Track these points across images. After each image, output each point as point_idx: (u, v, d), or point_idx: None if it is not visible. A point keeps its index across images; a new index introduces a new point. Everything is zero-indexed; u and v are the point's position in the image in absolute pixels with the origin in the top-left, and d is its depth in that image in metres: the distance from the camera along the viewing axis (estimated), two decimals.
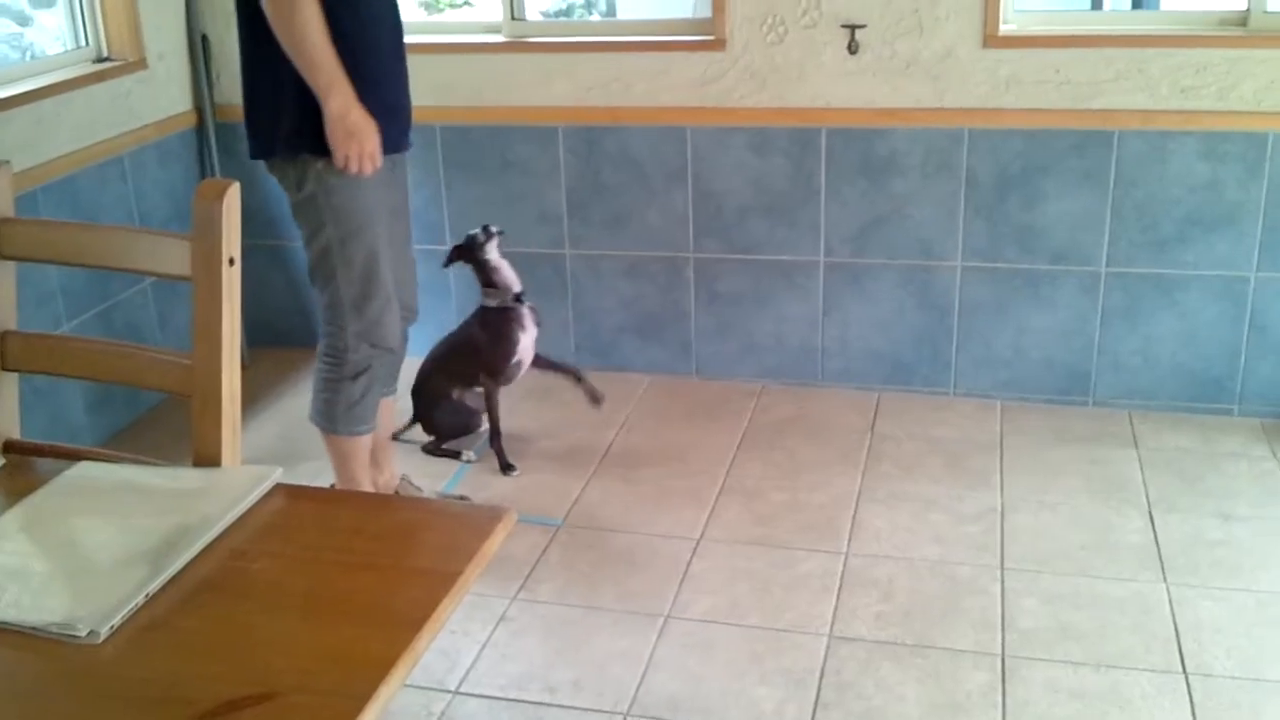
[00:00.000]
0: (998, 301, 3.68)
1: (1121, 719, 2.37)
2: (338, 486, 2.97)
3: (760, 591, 2.82)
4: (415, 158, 3.92)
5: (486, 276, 3.35)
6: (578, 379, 3.53)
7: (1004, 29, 3.47)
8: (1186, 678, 2.48)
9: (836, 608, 2.74)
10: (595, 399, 3.51)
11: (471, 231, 3.38)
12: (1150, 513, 3.11)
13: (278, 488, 1.58)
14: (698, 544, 3.02)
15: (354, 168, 2.62)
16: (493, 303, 3.37)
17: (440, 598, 1.35)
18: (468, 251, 3.35)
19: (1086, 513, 3.12)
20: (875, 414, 3.69)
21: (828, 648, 2.60)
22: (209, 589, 1.39)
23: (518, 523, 3.03)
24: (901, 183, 3.65)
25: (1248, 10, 3.39)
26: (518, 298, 3.36)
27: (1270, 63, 3.32)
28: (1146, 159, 3.47)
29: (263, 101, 2.69)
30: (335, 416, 2.87)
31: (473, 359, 3.39)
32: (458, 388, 3.48)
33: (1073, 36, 3.47)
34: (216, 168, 4.00)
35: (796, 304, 3.83)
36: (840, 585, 2.83)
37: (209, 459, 1.66)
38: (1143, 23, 3.81)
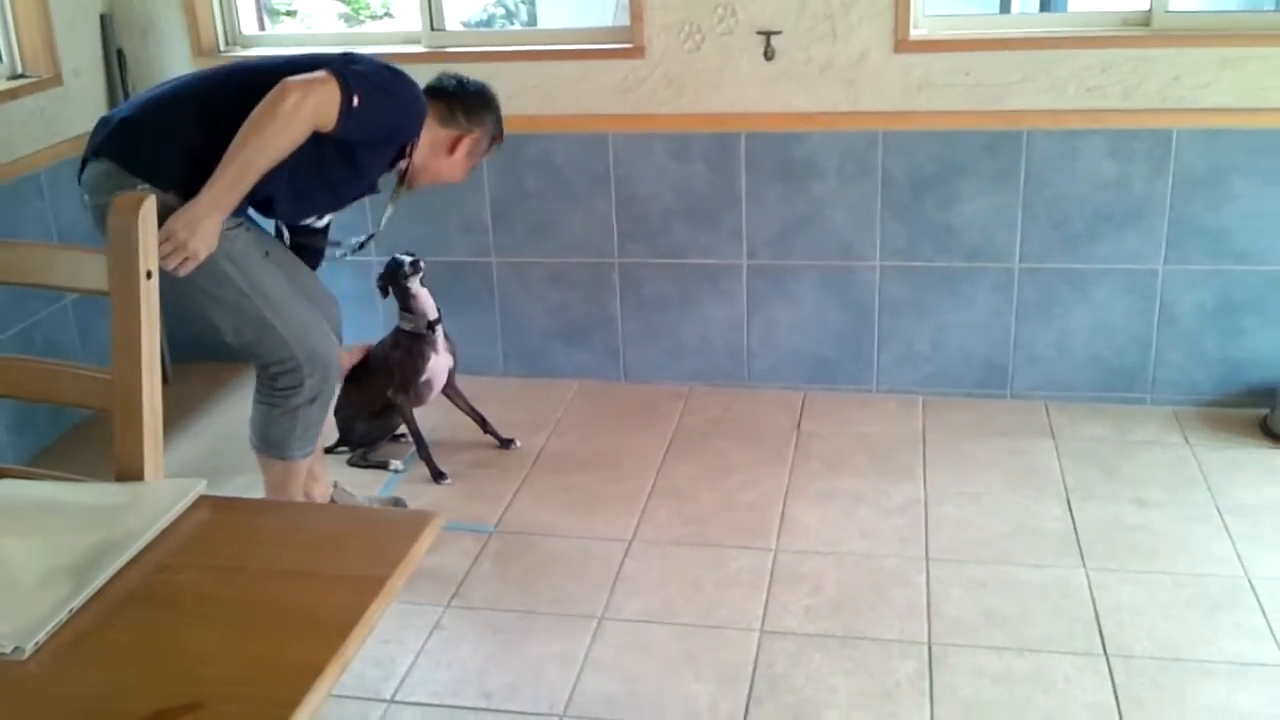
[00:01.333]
0: (917, 299, 3.75)
1: (1045, 702, 2.44)
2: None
3: (692, 590, 2.85)
4: None
5: (406, 302, 3.44)
6: (483, 425, 3.62)
7: (915, 34, 3.55)
8: (1108, 659, 2.55)
9: (767, 603, 2.78)
10: (503, 442, 3.61)
11: (398, 256, 3.42)
12: (1068, 500, 3.19)
13: (202, 499, 1.58)
14: (629, 546, 3.05)
15: (169, 264, 2.47)
16: (408, 326, 3.44)
17: (368, 603, 1.36)
18: (392, 278, 3.43)
19: (1007, 502, 3.19)
20: (801, 413, 3.74)
21: (759, 643, 2.64)
22: (134, 602, 1.39)
23: (450, 530, 3.08)
24: (820, 185, 3.71)
25: (1150, 10, 3.49)
26: (430, 325, 3.43)
27: (1172, 61, 3.42)
28: (1056, 158, 3.56)
29: (161, 126, 2.63)
30: (282, 443, 2.84)
31: (385, 376, 3.46)
32: (370, 401, 3.51)
33: (981, 40, 3.55)
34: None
35: (721, 307, 3.88)
36: (770, 581, 2.87)
37: (131, 473, 1.66)
38: (1049, 25, 3.91)
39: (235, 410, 3.89)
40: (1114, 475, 3.31)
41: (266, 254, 2.77)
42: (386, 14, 6.41)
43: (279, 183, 2.62)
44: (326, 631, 1.31)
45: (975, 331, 3.75)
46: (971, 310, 3.74)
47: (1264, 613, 2.70)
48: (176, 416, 3.80)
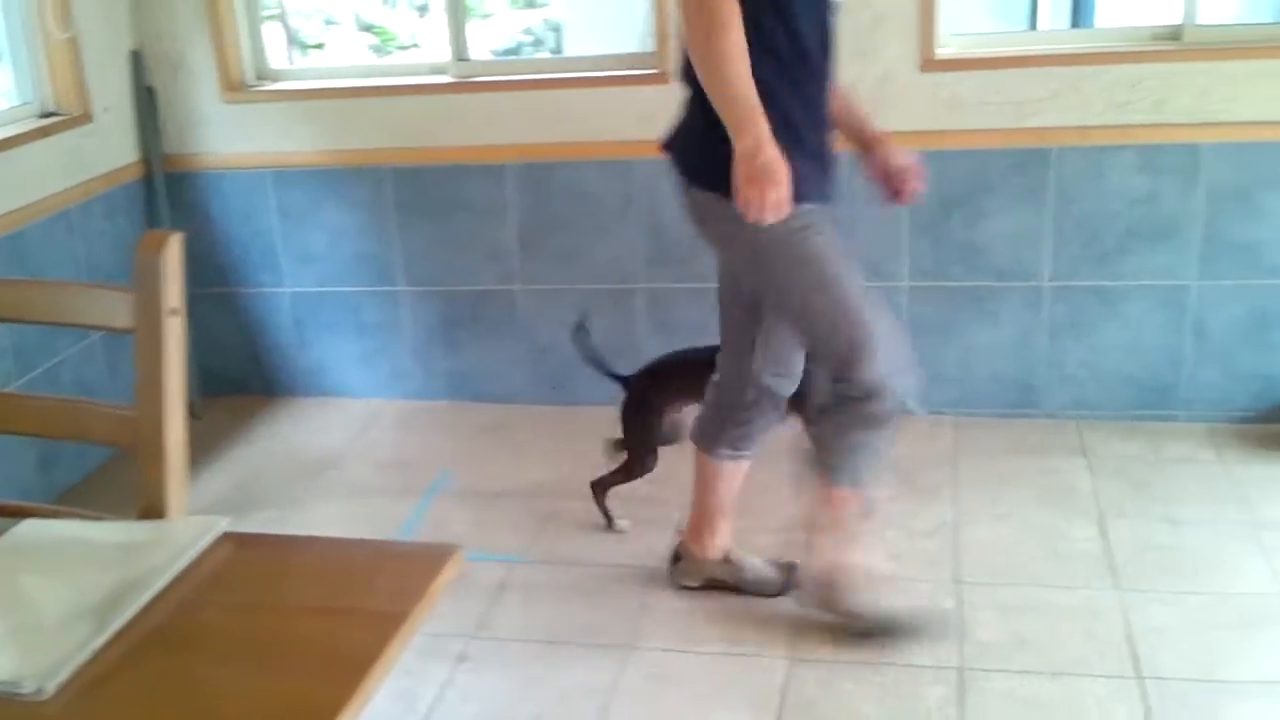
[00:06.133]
0: (945, 319, 3.73)
1: None
2: (700, 520, 2.90)
3: (721, 617, 2.84)
4: (366, 200, 3.98)
5: None
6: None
7: (941, 52, 3.54)
8: (1141, 682, 2.52)
9: (797, 629, 2.76)
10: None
11: None
12: (1101, 520, 3.15)
13: (225, 536, 1.59)
14: (656, 573, 3.04)
15: (753, 216, 2.32)
16: None
17: (389, 639, 1.36)
18: None
19: (1039, 523, 3.16)
20: None
21: (788, 669, 2.62)
22: (157, 642, 1.40)
23: (479, 560, 3.07)
24: (847, 206, 3.69)
25: (1181, 25, 3.46)
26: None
27: (1202, 75, 3.39)
28: (1085, 174, 3.54)
29: (701, 133, 2.46)
30: (723, 440, 2.78)
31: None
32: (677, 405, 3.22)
33: (1008, 58, 3.54)
34: (165, 219, 4.01)
35: None
36: (800, 608, 2.84)
37: (155, 511, 1.67)
38: (1077, 41, 3.89)
39: (263, 444, 3.93)
40: (1147, 494, 3.27)
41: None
42: (415, 45, 6.48)
43: (764, 73, 2.33)
44: (348, 668, 1.31)
45: (1005, 351, 3.72)
46: (1001, 329, 3.71)
47: None
48: (205, 450, 3.83)
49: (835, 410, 2.57)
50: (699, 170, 2.51)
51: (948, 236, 3.66)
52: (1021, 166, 3.57)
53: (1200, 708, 2.44)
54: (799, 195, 2.35)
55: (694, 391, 3.02)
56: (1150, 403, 3.68)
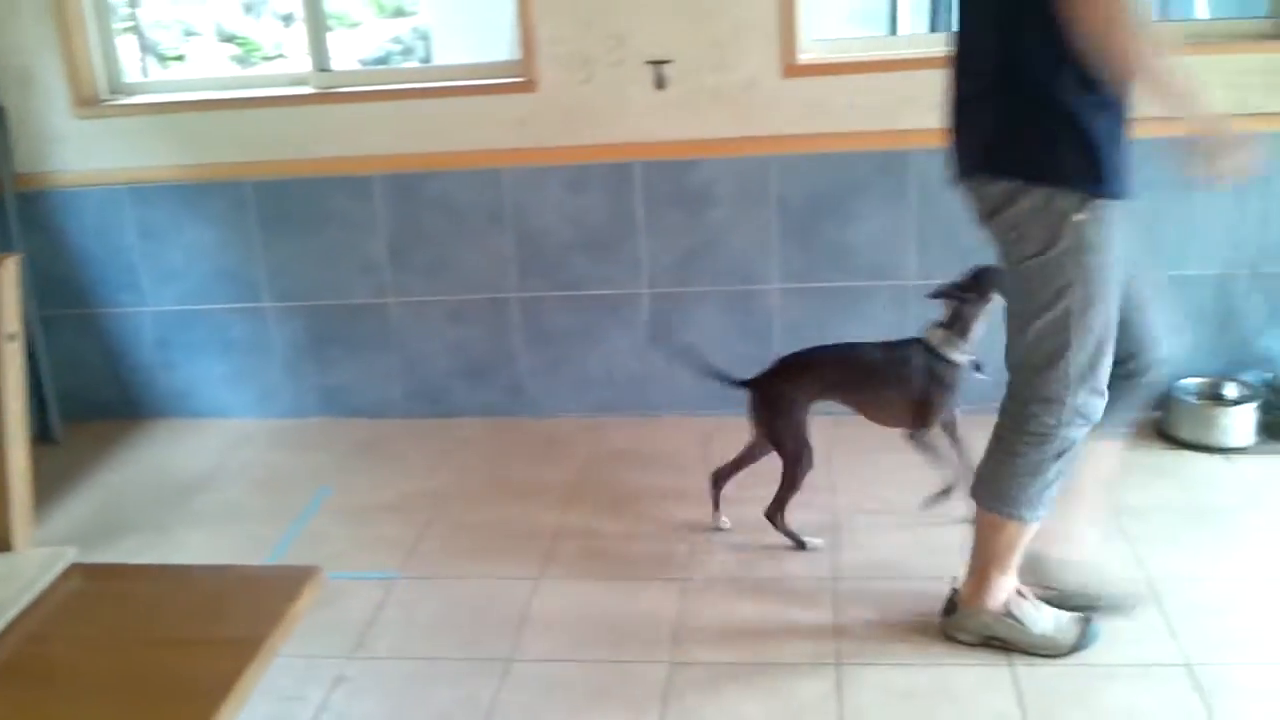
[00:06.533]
0: (817, 320, 3.78)
1: (951, 713, 2.45)
2: (980, 574, 2.63)
3: (602, 626, 2.83)
4: (227, 215, 3.89)
5: (965, 324, 3.02)
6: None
7: (803, 58, 3.59)
8: (1012, 669, 2.58)
9: (677, 634, 2.77)
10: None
11: (986, 267, 2.93)
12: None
13: (74, 568, 1.53)
14: (537, 583, 3.02)
15: (1231, 178, 2.20)
16: (954, 354, 3.03)
17: (244, 667, 1.33)
18: (981, 290, 2.98)
19: (914, 516, 3.22)
20: (709, 440, 3.74)
21: (669, 673, 2.63)
22: (6, 676, 1.34)
23: (355, 579, 3.02)
24: (717, 211, 3.73)
25: None
26: (977, 366, 3.06)
27: None
28: (943, 174, 3.60)
29: (1019, 123, 2.33)
30: (1022, 501, 2.49)
31: (896, 402, 3.08)
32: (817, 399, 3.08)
33: (869, 62, 3.61)
34: (16, 240, 3.85)
35: (624, 337, 3.88)
36: (680, 612, 2.86)
37: (1, 545, 1.61)
38: (935, 45, 3.95)
39: (128, 469, 3.81)
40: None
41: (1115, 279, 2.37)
42: (280, 55, 6.35)
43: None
44: (202, 700, 1.28)
45: None
46: (872, 328, 3.75)
47: (1163, 613, 2.74)
48: (67, 477, 3.70)
49: (1008, 420, 2.51)
50: (1026, 164, 2.34)
51: (817, 239, 3.72)
52: (885, 168, 3.64)
53: (1070, 692, 2.50)
54: (1121, 189, 2.31)
55: (831, 385, 3.05)
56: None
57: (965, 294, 3.00)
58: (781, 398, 3.06)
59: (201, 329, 4.02)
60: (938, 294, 3.04)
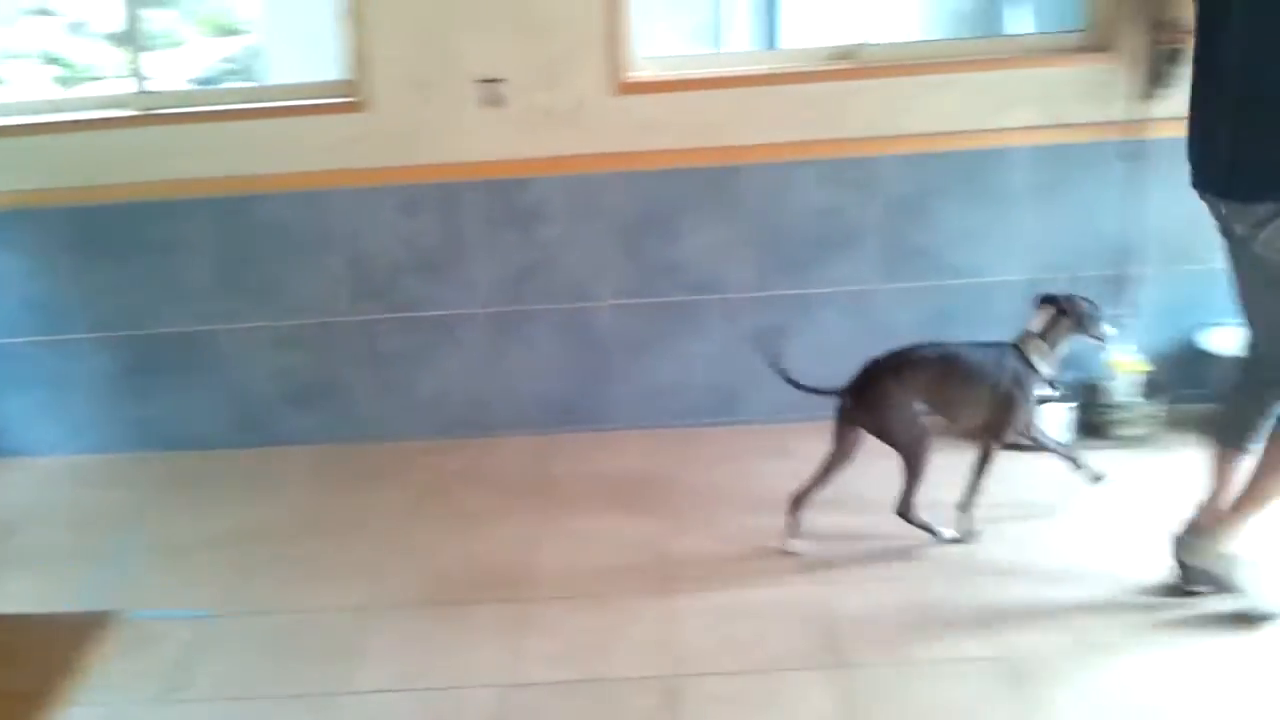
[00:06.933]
0: (652, 334, 3.81)
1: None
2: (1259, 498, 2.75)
3: (434, 652, 2.79)
4: (33, 244, 3.73)
5: (1056, 338, 3.11)
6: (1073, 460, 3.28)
7: (633, 76, 3.62)
8: (839, 671, 2.62)
9: (510, 657, 2.74)
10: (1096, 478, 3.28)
11: (1095, 306, 3.15)
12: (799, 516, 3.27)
13: None
14: (366, 613, 2.97)
15: None
16: (1046, 369, 3.11)
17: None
18: (1078, 320, 3.11)
19: (748, 526, 3.26)
20: (546, 458, 3.74)
21: (500, 698, 2.60)
22: None
23: (168, 618, 2.90)
24: (550, 229, 3.73)
25: (857, 44, 3.65)
26: (1052, 384, 3.15)
27: (876, 91, 3.59)
28: (774, 189, 3.69)
29: None
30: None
31: (990, 409, 3.10)
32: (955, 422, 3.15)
33: (698, 79, 3.65)
34: None
35: (460, 357, 3.85)
36: (514, 633, 2.83)
37: None
38: (762, 62, 4.04)
39: None
40: (839, 488, 3.41)
41: None
42: (104, 76, 6.15)
43: None
44: None
45: (711, 362, 3.83)
46: (706, 341, 3.82)
47: (979, 609, 2.83)
48: None
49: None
50: None
51: (650, 255, 3.75)
52: (716, 184, 3.69)
53: (894, 690, 2.56)
54: None
55: (927, 383, 3.05)
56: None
57: (1065, 310, 3.10)
58: (887, 395, 3.05)
59: (7, 363, 3.85)
60: (1049, 299, 3.12)
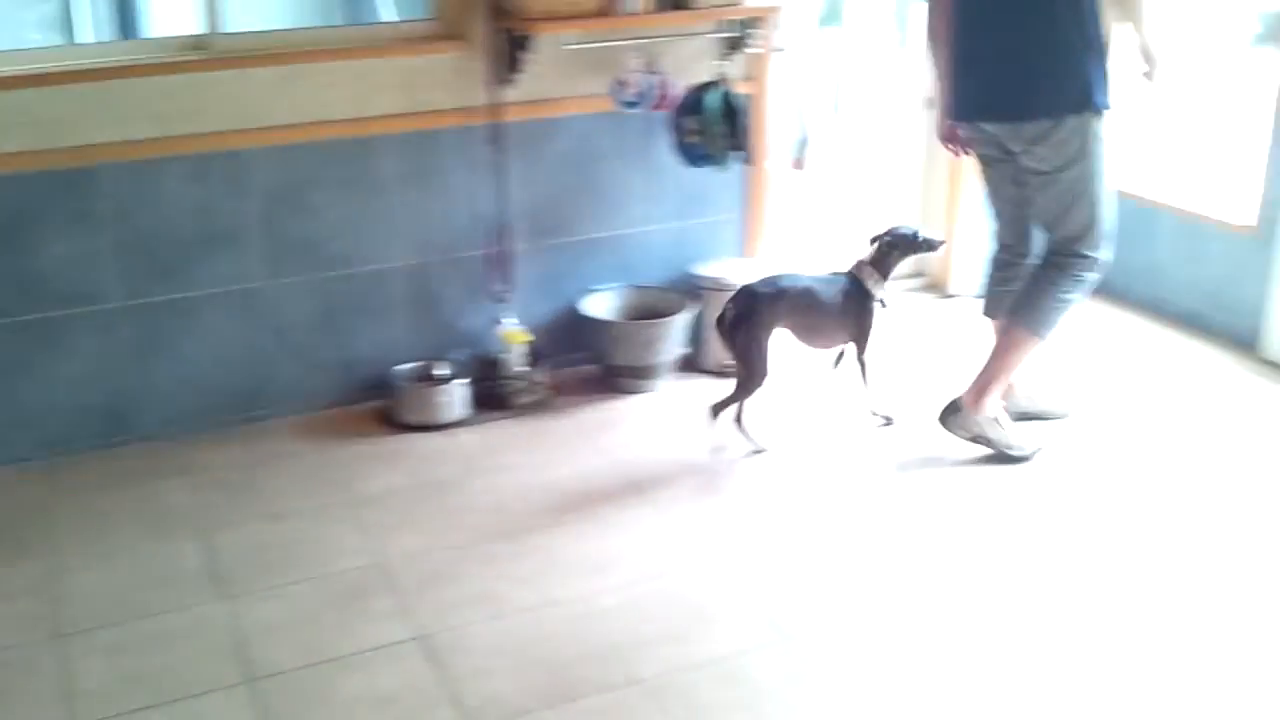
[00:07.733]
0: (12, 358, 3.43)
1: None
2: (996, 374, 3.36)
3: None
4: None
5: (888, 267, 3.54)
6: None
7: None
8: (253, 684, 2.53)
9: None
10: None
11: (915, 232, 3.57)
12: (205, 534, 3.13)
13: None
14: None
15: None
16: (878, 291, 3.54)
17: None
18: (909, 244, 3.55)
19: (144, 553, 3.05)
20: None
21: None
22: None
23: None
24: None
25: (209, 34, 3.51)
26: (882, 303, 3.56)
27: (234, 82, 3.47)
28: (138, 189, 3.45)
29: (1054, 66, 3.11)
30: (1049, 324, 3.30)
31: (841, 327, 3.55)
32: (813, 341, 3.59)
33: (39, 75, 3.31)
34: None
35: None
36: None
37: None
38: (110, 54, 3.75)
39: None
40: (248, 497, 3.31)
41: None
42: None
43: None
44: None
45: (88, 381, 3.52)
46: (79, 360, 3.51)
47: (395, 592, 2.86)
48: None
49: (1056, 271, 3.30)
50: (1064, 100, 3.13)
51: (1, 269, 3.37)
52: (70, 187, 3.38)
53: (311, 691, 2.52)
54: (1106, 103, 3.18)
55: (799, 315, 3.48)
56: (243, 407, 3.72)
57: (895, 243, 3.54)
58: (759, 318, 3.42)
59: None
60: (877, 238, 3.56)
